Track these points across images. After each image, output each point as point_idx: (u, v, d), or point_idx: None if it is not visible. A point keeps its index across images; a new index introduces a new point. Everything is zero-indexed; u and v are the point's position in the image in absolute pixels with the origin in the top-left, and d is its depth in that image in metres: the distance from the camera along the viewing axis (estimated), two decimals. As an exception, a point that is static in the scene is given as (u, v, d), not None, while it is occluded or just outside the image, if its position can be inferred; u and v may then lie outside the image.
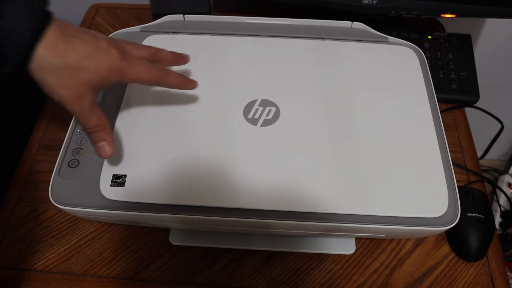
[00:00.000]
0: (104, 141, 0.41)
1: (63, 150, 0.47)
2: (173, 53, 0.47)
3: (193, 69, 0.51)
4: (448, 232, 0.54)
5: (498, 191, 1.13)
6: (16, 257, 0.53)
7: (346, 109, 0.49)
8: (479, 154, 0.66)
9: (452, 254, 0.54)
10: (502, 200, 1.12)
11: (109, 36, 0.56)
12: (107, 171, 0.44)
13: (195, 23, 0.58)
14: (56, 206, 0.43)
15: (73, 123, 0.49)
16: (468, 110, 0.68)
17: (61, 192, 0.44)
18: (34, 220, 0.55)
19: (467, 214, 0.53)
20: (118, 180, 0.44)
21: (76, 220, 0.55)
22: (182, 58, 0.47)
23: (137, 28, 0.57)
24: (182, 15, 0.58)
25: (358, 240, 0.54)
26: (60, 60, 0.36)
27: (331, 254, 0.53)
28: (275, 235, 0.53)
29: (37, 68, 0.36)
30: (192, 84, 0.45)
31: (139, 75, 0.40)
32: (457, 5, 0.64)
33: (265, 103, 0.49)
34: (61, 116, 0.65)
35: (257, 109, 0.48)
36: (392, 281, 0.52)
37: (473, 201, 0.54)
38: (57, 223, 0.55)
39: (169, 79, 0.43)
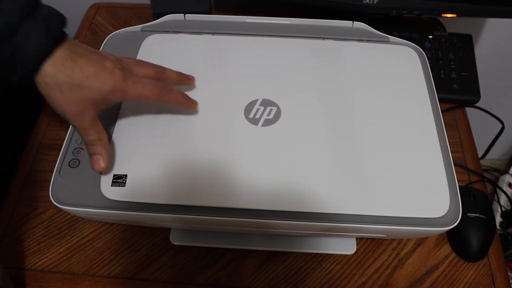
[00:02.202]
0: (100, 155, 0.42)
1: (63, 150, 0.47)
2: (179, 73, 0.48)
3: (194, 68, 0.51)
4: (449, 232, 0.54)
5: (498, 191, 1.13)
6: (16, 256, 0.52)
7: (347, 109, 0.49)
8: (480, 154, 0.66)
9: (453, 254, 0.54)
10: (503, 200, 1.12)
11: (110, 35, 0.56)
12: (108, 171, 0.44)
13: (196, 23, 0.58)
14: (56, 205, 0.43)
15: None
16: (469, 110, 0.68)
17: (62, 191, 0.44)
18: (35, 219, 0.55)
19: (468, 214, 0.53)
20: (119, 180, 0.44)
21: (76, 219, 0.55)
22: (188, 79, 0.49)
23: (137, 27, 0.57)
24: (182, 14, 0.58)
25: (359, 240, 0.54)
26: (65, 78, 0.38)
27: (331, 254, 0.53)
28: (276, 235, 0.53)
29: (43, 83, 0.38)
30: (193, 104, 0.47)
31: (140, 93, 0.42)
32: (458, 4, 0.64)
33: (266, 103, 0.49)
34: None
35: (258, 109, 0.48)
36: (393, 281, 0.51)
37: (474, 201, 0.54)
38: (58, 222, 0.55)
39: (170, 97, 0.45)
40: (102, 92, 0.39)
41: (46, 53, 0.37)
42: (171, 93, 0.44)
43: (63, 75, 0.37)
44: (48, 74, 0.37)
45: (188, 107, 0.46)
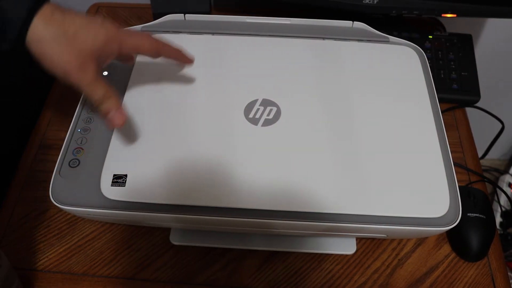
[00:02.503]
0: (114, 110, 0.40)
1: (63, 150, 0.47)
2: (167, 43, 0.47)
3: (194, 69, 0.51)
4: (449, 232, 0.54)
5: (498, 191, 1.13)
6: (16, 256, 0.52)
7: (347, 109, 0.49)
8: (480, 154, 0.66)
9: (453, 254, 0.54)
10: (503, 200, 1.12)
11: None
12: (108, 171, 0.44)
13: (195, 23, 0.58)
14: (56, 205, 0.43)
15: (74, 122, 0.49)
16: (469, 110, 0.68)
17: (62, 191, 0.44)
18: (35, 219, 0.55)
19: (468, 214, 0.53)
20: (119, 180, 0.44)
21: (76, 219, 0.55)
22: (177, 50, 0.48)
23: (137, 27, 0.57)
24: (182, 14, 0.58)
25: (359, 240, 0.54)
26: (57, 29, 0.36)
27: (331, 254, 0.53)
28: (276, 235, 0.53)
29: (35, 40, 0.36)
30: (189, 60, 0.47)
31: (138, 43, 0.41)
32: (458, 4, 0.64)
33: (266, 102, 0.49)
34: (62, 115, 0.65)
35: (258, 109, 0.48)
36: (393, 281, 0.51)
37: (474, 201, 0.54)
38: (58, 222, 0.55)
39: (166, 50, 0.44)
40: (97, 41, 0.38)
41: (32, 10, 0.36)
42: (167, 46, 0.44)
43: (54, 27, 0.36)
44: (38, 28, 0.36)
45: (185, 62, 0.47)
